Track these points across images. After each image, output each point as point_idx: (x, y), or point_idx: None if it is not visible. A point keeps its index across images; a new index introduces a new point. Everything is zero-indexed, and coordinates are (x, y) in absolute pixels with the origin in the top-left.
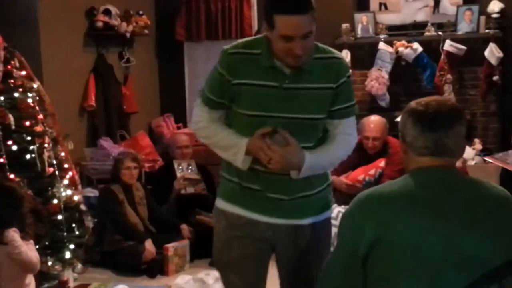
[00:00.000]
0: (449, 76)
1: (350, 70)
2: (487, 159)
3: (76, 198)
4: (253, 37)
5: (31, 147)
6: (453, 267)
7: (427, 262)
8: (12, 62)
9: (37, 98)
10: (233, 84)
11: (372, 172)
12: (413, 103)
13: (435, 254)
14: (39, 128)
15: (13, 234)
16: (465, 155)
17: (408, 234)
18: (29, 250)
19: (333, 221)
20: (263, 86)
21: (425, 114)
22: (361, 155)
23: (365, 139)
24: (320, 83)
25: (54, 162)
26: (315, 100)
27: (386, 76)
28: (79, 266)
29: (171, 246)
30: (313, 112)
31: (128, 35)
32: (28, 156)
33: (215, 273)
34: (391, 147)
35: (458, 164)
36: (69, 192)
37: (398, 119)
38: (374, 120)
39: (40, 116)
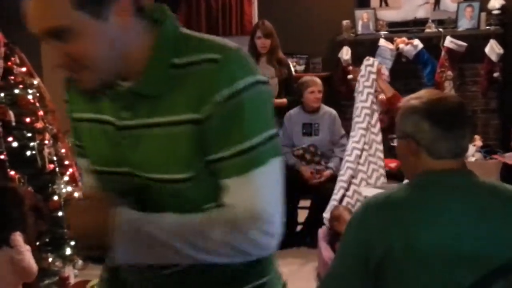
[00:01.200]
0: (449, 72)
1: (245, 80)
2: (496, 157)
3: (76, 194)
4: None
5: (32, 144)
6: (466, 267)
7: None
8: (13, 58)
9: (38, 94)
10: (73, 119)
11: None
12: (415, 101)
13: (449, 256)
14: (39, 125)
15: (18, 238)
16: None
17: (428, 240)
18: (30, 258)
19: None
20: (98, 121)
21: (442, 114)
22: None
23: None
24: (175, 114)
25: (55, 158)
26: (165, 146)
27: (387, 73)
28: (80, 262)
29: None
30: (162, 168)
31: None
32: (28, 153)
33: None
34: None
35: None
36: (69, 188)
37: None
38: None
39: (41, 113)
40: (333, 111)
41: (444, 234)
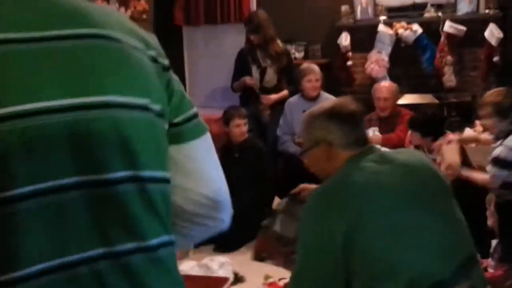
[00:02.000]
0: (449, 57)
1: None
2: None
3: None
4: None
5: None
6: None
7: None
8: None
9: None
10: None
11: None
12: (314, 112)
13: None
14: None
15: None
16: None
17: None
18: None
19: None
20: None
21: (344, 113)
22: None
23: (377, 101)
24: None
25: None
26: None
27: (386, 58)
28: None
29: None
30: None
31: None
32: None
33: (219, 259)
34: (403, 114)
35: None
36: None
37: (400, 101)
38: (385, 84)
39: None
40: (333, 98)
41: (386, 199)
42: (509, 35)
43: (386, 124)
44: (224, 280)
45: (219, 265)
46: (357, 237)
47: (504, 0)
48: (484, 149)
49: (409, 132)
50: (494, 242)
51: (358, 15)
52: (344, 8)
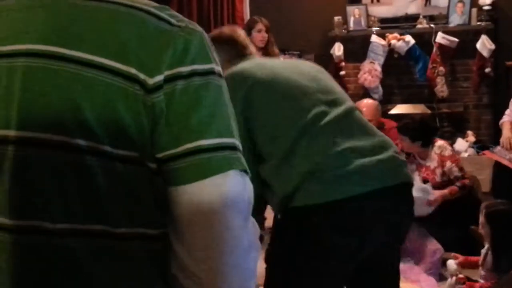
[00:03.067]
0: (441, 68)
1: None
2: (486, 153)
3: None
4: None
5: None
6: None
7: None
8: None
9: None
10: None
11: None
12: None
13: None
14: None
15: None
16: (458, 147)
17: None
18: None
19: None
20: None
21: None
22: None
23: None
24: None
25: None
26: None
27: (379, 68)
28: None
29: None
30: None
31: None
32: None
33: None
34: (386, 124)
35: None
36: None
37: (393, 111)
38: (366, 104)
39: None
40: None
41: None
42: (500, 47)
43: None
44: None
45: None
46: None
47: (495, 12)
48: None
49: (399, 138)
50: (483, 250)
51: (351, 25)
52: (337, 18)
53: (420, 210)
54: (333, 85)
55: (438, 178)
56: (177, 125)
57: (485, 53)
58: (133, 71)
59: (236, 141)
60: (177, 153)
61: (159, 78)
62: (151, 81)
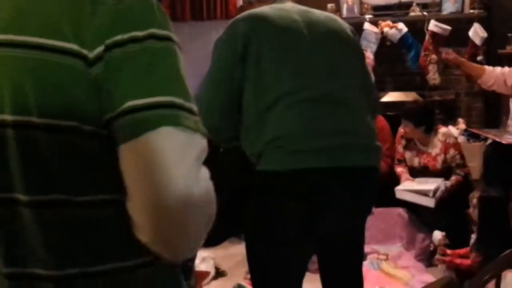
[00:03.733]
0: (433, 56)
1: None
2: (473, 130)
3: None
4: None
5: None
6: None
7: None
8: None
9: None
10: None
11: None
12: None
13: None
14: None
15: None
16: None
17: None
18: None
19: None
20: None
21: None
22: None
23: None
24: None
25: None
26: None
27: (372, 56)
28: None
29: None
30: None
31: None
32: None
33: (201, 253)
34: (377, 123)
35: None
36: None
37: (384, 99)
38: None
39: None
40: None
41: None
42: (493, 35)
43: None
44: (205, 274)
45: (201, 259)
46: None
47: (488, 0)
48: None
49: (402, 123)
50: (473, 236)
51: (344, 13)
52: (330, 6)
53: (429, 202)
54: (338, 65)
55: (438, 165)
56: (114, 89)
57: (477, 41)
58: (75, 47)
59: (176, 99)
60: (113, 116)
61: (100, 49)
62: (91, 54)
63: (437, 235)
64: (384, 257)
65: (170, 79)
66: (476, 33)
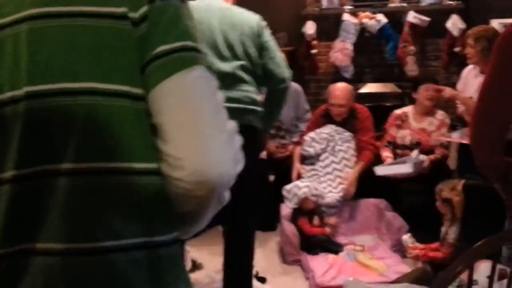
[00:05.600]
0: (412, 47)
1: None
2: (444, 139)
3: None
4: None
5: None
6: None
7: None
8: None
9: None
10: None
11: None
12: None
13: None
14: None
15: None
16: None
17: None
18: None
19: None
20: None
21: None
22: (328, 123)
23: (331, 106)
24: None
25: None
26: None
27: (351, 47)
28: None
29: None
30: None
31: None
32: None
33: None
34: (359, 112)
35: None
36: None
37: (363, 90)
38: (340, 87)
39: None
40: (298, 87)
41: None
42: (471, 26)
43: (343, 127)
44: None
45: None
46: None
47: None
48: None
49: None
50: (443, 228)
51: (324, 3)
52: None
53: (408, 168)
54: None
55: (431, 141)
56: (150, 37)
57: (455, 32)
58: (122, 10)
59: (198, 46)
60: (147, 59)
61: (144, 9)
62: (137, 14)
63: (405, 237)
64: (360, 248)
65: (190, 28)
66: (454, 24)
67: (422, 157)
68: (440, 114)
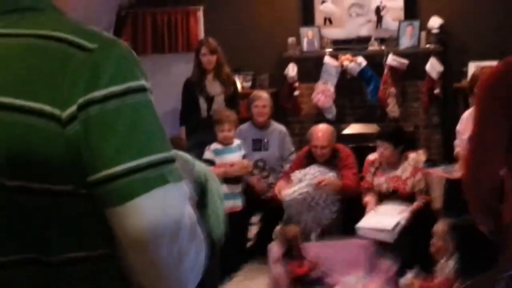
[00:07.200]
0: (392, 89)
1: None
2: (431, 171)
3: None
4: None
5: None
6: None
7: None
8: None
9: None
10: None
11: None
12: None
13: None
14: None
15: None
16: None
17: None
18: None
19: None
20: None
21: None
22: (311, 164)
23: (314, 148)
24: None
25: None
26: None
27: (332, 89)
28: None
29: None
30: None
31: None
32: None
33: None
34: (341, 152)
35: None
36: None
37: (346, 131)
38: (321, 129)
39: None
40: (283, 128)
41: None
42: (448, 69)
43: (325, 167)
44: None
45: None
46: None
47: (443, 35)
48: None
49: (379, 146)
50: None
51: (305, 46)
52: (291, 39)
53: (389, 237)
54: None
55: (408, 188)
56: (94, 153)
57: (434, 75)
58: (46, 108)
59: (158, 155)
60: (97, 180)
61: (72, 108)
62: (64, 114)
63: (406, 279)
64: None
65: (152, 134)
66: (433, 67)
67: (402, 220)
68: (412, 159)
